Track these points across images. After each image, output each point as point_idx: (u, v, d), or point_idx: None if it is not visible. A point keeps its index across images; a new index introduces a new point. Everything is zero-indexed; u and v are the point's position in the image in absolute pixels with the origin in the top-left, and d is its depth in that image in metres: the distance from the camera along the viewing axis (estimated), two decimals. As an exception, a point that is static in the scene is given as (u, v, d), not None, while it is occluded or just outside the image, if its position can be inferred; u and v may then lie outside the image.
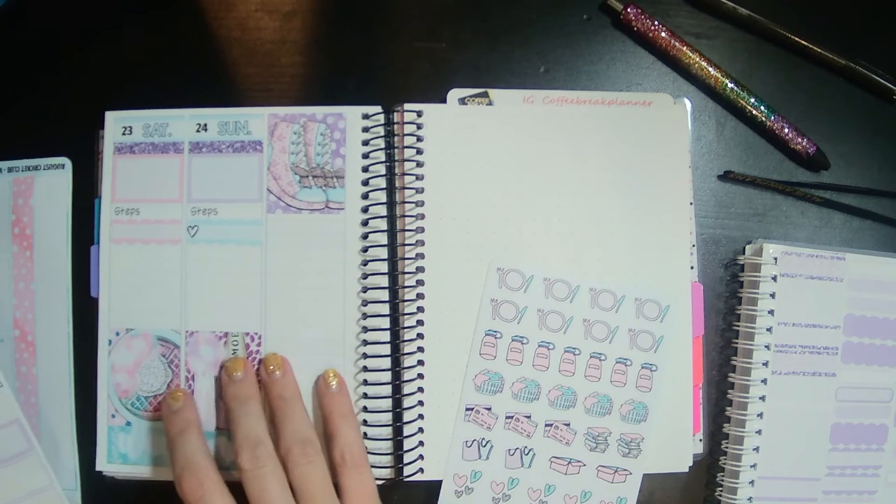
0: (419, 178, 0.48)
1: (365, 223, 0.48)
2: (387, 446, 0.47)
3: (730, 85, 0.49)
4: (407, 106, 0.48)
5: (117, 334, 0.47)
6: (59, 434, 0.47)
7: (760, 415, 0.47)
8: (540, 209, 0.48)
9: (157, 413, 0.47)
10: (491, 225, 0.48)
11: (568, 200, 0.48)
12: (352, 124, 0.48)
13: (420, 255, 0.48)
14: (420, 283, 0.47)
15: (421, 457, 0.47)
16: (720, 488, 0.48)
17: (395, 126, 0.48)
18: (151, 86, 0.49)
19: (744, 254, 0.49)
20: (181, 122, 0.48)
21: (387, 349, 0.47)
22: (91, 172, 0.48)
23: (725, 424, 0.48)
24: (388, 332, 0.47)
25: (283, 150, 0.48)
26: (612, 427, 0.47)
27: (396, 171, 0.48)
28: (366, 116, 0.48)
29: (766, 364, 0.47)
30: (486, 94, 0.49)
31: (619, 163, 0.48)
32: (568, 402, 0.47)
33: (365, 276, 0.47)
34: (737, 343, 0.49)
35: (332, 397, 0.46)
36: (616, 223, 0.48)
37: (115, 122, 0.48)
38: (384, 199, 0.48)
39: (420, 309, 0.47)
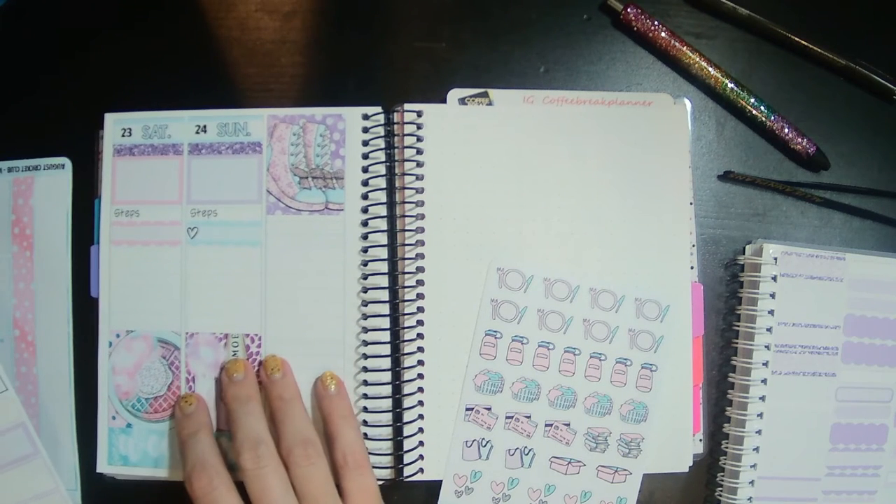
0: (419, 178, 0.48)
1: (365, 224, 0.48)
2: (387, 446, 0.47)
3: (730, 85, 0.49)
4: (407, 106, 0.48)
5: (118, 336, 0.47)
6: (60, 434, 0.47)
7: (760, 415, 0.47)
8: (540, 209, 0.48)
9: (158, 415, 0.47)
10: (491, 225, 0.48)
11: (568, 200, 0.48)
12: (351, 125, 0.48)
13: (420, 256, 0.48)
14: (420, 283, 0.47)
15: (421, 457, 0.47)
16: (720, 488, 0.48)
17: (395, 126, 0.48)
18: (151, 85, 0.49)
19: (744, 254, 0.49)
20: (180, 123, 0.48)
21: (387, 349, 0.47)
22: (91, 172, 0.48)
23: (725, 424, 0.48)
24: (388, 333, 0.47)
25: (283, 152, 0.48)
26: (612, 427, 0.47)
27: (396, 171, 0.48)
28: (365, 117, 0.48)
29: (766, 364, 0.47)
30: (486, 94, 0.49)
31: (619, 163, 0.48)
32: (568, 402, 0.47)
33: (365, 277, 0.47)
34: (737, 343, 0.49)
35: (332, 399, 0.46)
36: (616, 223, 0.48)
37: (115, 124, 0.48)
38: (384, 200, 0.48)
39: (420, 309, 0.47)
